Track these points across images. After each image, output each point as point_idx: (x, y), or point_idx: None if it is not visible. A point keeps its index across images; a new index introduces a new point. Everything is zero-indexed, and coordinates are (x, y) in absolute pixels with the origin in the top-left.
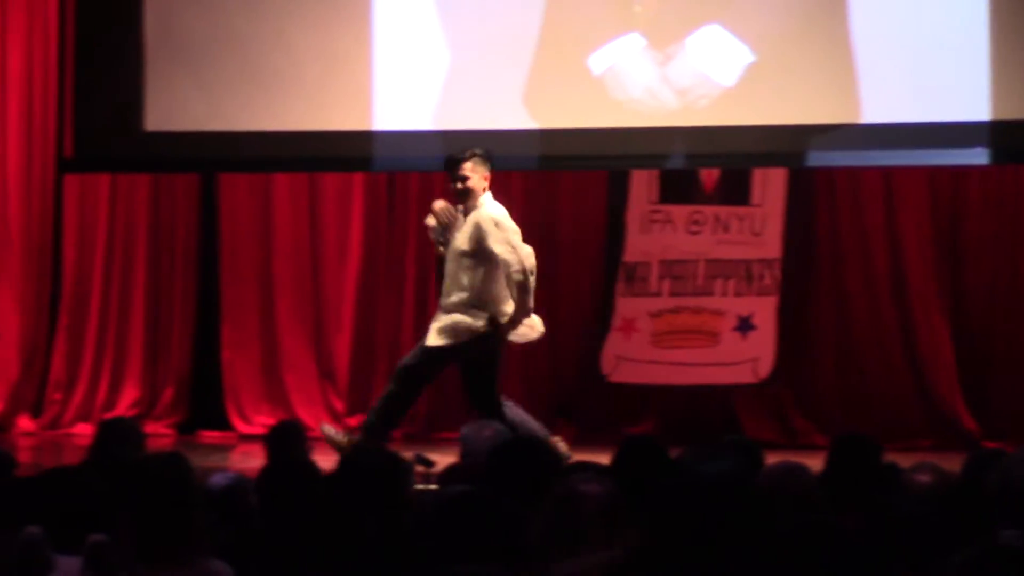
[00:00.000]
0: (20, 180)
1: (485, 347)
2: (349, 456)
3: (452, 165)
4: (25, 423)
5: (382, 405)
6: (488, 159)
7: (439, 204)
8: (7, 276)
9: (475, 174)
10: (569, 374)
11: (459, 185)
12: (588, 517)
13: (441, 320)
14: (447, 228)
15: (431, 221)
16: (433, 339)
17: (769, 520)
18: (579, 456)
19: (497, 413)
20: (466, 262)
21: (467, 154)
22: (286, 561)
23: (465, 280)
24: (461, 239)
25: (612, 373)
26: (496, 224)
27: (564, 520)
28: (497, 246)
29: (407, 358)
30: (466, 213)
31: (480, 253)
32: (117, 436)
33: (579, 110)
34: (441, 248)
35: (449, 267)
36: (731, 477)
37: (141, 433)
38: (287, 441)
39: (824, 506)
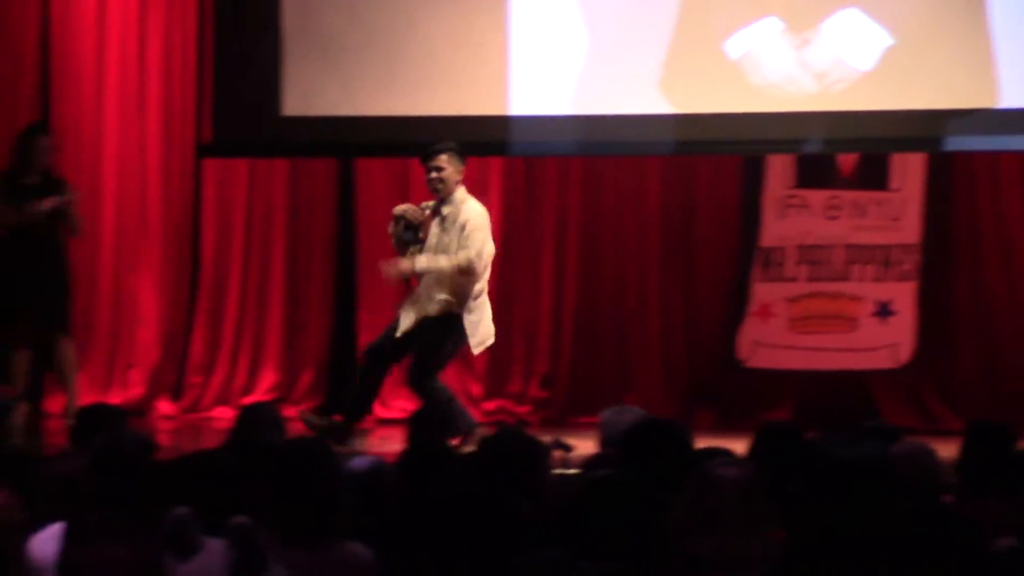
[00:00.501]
0: (159, 166)
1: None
2: (488, 440)
3: (428, 156)
4: (165, 406)
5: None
6: (463, 155)
7: (404, 206)
8: (147, 261)
9: (450, 166)
10: (706, 360)
11: (434, 175)
12: (728, 502)
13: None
14: (418, 227)
15: (395, 224)
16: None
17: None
18: (717, 442)
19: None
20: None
21: (443, 147)
22: (424, 544)
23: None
24: (447, 239)
25: (749, 358)
26: (480, 228)
27: (704, 505)
28: (471, 251)
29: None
30: (440, 205)
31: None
32: (258, 420)
33: (716, 95)
34: (412, 248)
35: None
36: (869, 462)
37: (281, 417)
38: (426, 425)
39: (954, 490)
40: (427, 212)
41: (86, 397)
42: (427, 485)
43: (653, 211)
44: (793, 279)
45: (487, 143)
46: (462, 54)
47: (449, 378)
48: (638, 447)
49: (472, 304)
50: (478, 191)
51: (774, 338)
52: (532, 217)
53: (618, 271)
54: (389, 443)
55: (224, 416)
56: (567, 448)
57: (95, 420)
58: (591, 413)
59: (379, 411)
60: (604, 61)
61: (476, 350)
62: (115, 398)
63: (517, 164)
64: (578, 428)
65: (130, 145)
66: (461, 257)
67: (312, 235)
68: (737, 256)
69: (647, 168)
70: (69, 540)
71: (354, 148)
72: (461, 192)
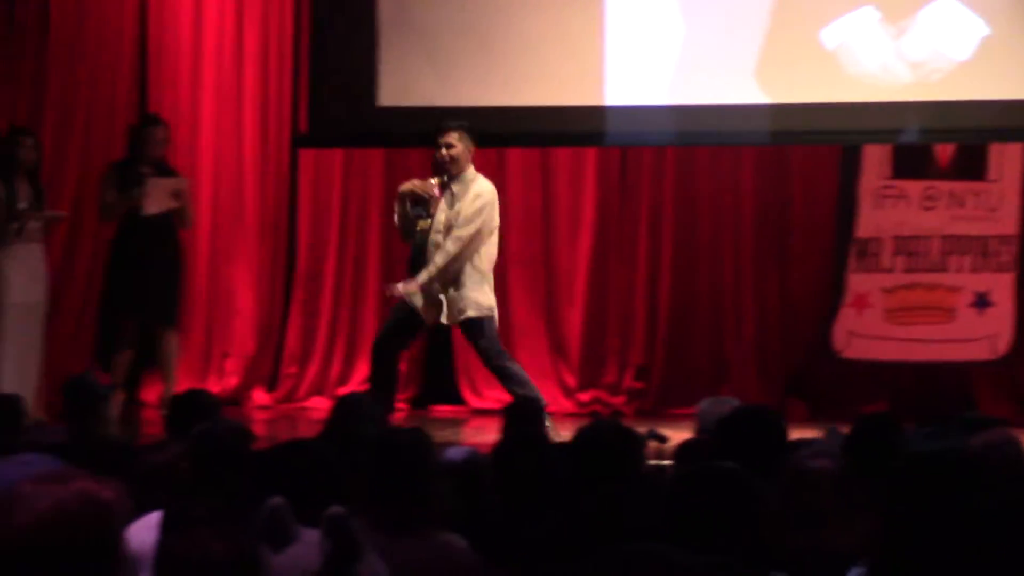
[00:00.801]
0: (256, 156)
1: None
2: (583, 430)
3: (439, 132)
4: (260, 396)
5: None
6: (474, 134)
7: (411, 183)
8: (243, 252)
9: (461, 144)
10: (801, 351)
11: (444, 152)
12: (821, 494)
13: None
14: (427, 202)
15: (402, 204)
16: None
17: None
18: (811, 434)
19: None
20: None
21: (455, 123)
22: (520, 534)
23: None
24: (453, 214)
25: (844, 349)
26: (488, 204)
27: (798, 497)
28: (471, 226)
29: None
30: (449, 182)
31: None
32: (354, 410)
33: (811, 84)
34: (421, 223)
35: (439, 239)
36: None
37: (377, 407)
38: (523, 416)
39: None
40: (436, 188)
41: (182, 386)
42: (522, 475)
43: (748, 201)
44: (889, 270)
45: (583, 133)
46: (558, 43)
47: (544, 367)
48: (733, 435)
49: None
50: (573, 181)
51: (870, 329)
52: (627, 208)
53: (713, 262)
54: (483, 433)
55: (319, 406)
56: (662, 439)
57: (190, 409)
58: (686, 404)
59: (473, 401)
60: (700, 50)
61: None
62: (211, 388)
63: (612, 154)
64: (673, 419)
65: (226, 136)
66: (456, 239)
67: None
68: (832, 247)
69: (742, 158)
70: (166, 529)
71: None
72: (471, 171)
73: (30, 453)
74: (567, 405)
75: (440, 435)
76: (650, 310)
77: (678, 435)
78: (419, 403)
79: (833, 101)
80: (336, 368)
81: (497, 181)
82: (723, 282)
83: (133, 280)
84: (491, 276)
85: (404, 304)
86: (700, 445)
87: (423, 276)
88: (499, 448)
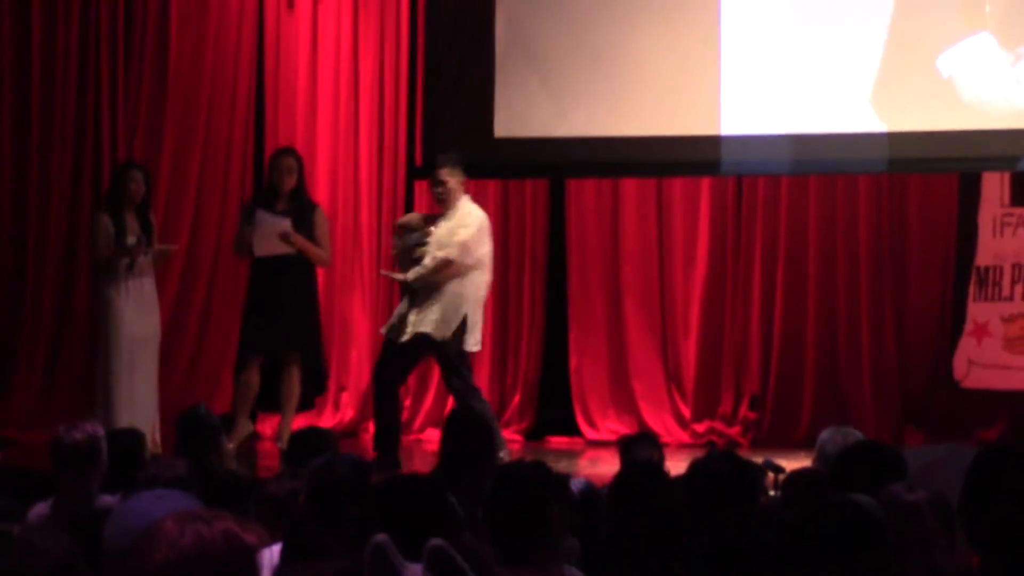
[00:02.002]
0: (371, 188)
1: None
2: (699, 462)
3: (429, 172)
4: None
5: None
6: (462, 165)
7: (407, 216)
8: (358, 282)
9: (452, 179)
10: (919, 379)
11: (439, 189)
12: (917, 525)
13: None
14: (422, 234)
15: (399, 236)
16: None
17: None
18: None
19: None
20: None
21: (443, 160)
22: (637, 566)
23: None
24: (443, 236)
25: (964, 378)
26: (470, 227)
27: (908, 531)
28: (449, 249)
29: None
30: (443, 215)
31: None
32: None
33: (928, 112)
34: (419, 250)
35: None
36: None
37: (494, 439)
38: (639, 447)
39: None
40: (430, 222)
41: (299, 419)
42: (639, 508)
43: (864, 230)
44: (1009, 298)
45: (698, 163)
46: (674, 73)
47: (659, 398)
48: (851, 468)
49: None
50: (688, 211)
51: (988, 358)
52: (742, 237)
53: (828, 290)
54: (599, 464)
55: (434, 439)
56: (779, 469)
57: (308, 443)
58: (801, 433)
59: (588, 432)
60: (815, 79)
61: (474, 348)
62: (327, 420)
63: (727, 184)
64: (788, 449)
65: (343, 169)
66: (439, 255)
67: (523, 256)
68: (949, 275)
69: (857, 187)
70: (283, 562)
71: (566, 169)
72: (464, 201)
73: (160, 488)
74: (682, 436)
75: (556, 466)
76: (765, 340)
77: (793, 465)
78: (534, 434)
79: (950, 128)
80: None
81: (612, 211)
82: (838, 311)
83: (260, 315)
84: (473, 306)
85: (392, 337)
86: (808, 476)
87: (401, 276)
88: (617, 480)
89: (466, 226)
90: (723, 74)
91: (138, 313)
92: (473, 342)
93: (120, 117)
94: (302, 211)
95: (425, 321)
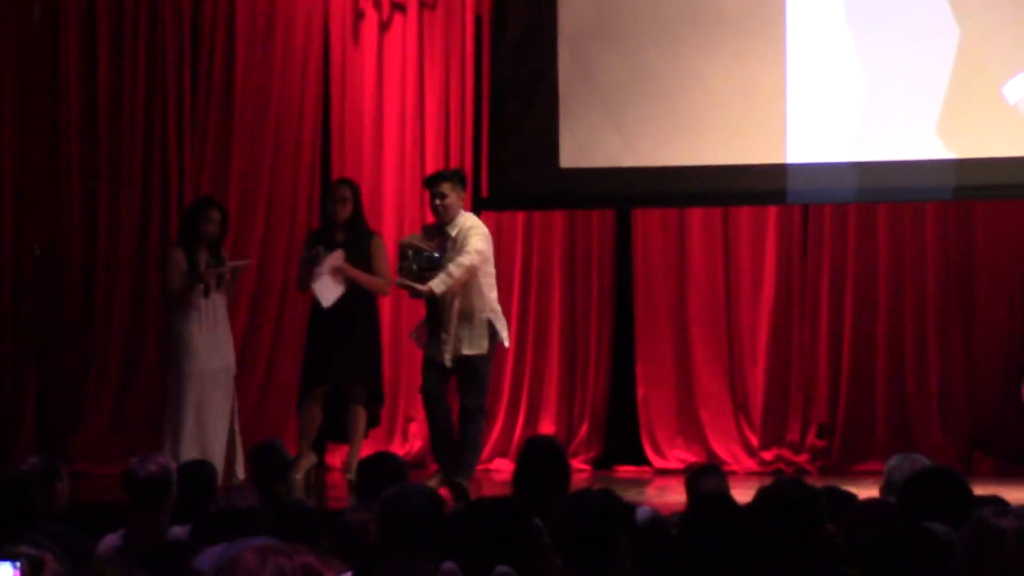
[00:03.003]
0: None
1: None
2: (767, 490)
3: (432, 184)
4: None
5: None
6: (463, 181)
7: (410, 237)
8: (422, 315)
9: (453, 193)
10: (986, 405)
11: (438, 202)
12: (1010, 552)
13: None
14: (430, 253)
15: (403, 258)
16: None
17: None
18: (995, 490)
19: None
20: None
21: (446, 175)
22: None
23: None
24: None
25: None
26: (484, 234)
27: (981, 554)
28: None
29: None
30: (444, 229)
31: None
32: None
33: (995, 139)
34: (429, 274)
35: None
36: None
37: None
38: (706, 479)
39: None
40: (433, 244)
41: (367, 450)
42: (706, 539)
43: (931, 258)
44: None
45: (764, 192)
46: (740, 102)
47: (726, 426)
48: (918, 495)
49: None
50: (754, 240)
51: None
52: (809, 265)
53: (895, 319)
54: (667, 494)
55: (502, 468)
56: (847, 497)
57: (378, 471)
58: (869, 461)
59: (656, 461)
60: (881, 107)
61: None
62: (396, 451)
63: (793, 212)
64: (856, 477)
65: (409, 201)
66: (464, 261)
67: (589, 286)
68: (1017, 301)
69: (924, 214)
70: None
71: (632, 199)
72: (463, 215)
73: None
74: (750, 464)
75: (624, 495)
76: (832, 367)
77: (861, 493)
78: (602, 463)
79: (1016, 155)
80: (519, 429)
81: (678, 240)
82: (905, 339)
83: (321, 346)
84: (491, 311)
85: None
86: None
87: (425, 288)
88: (687, 512)
89: (476, 234)
90: (789, 102)
91: (211, 346)
92: (505, 338)
93: (187, 151)
94: (358, 240)
95: (462, 343)
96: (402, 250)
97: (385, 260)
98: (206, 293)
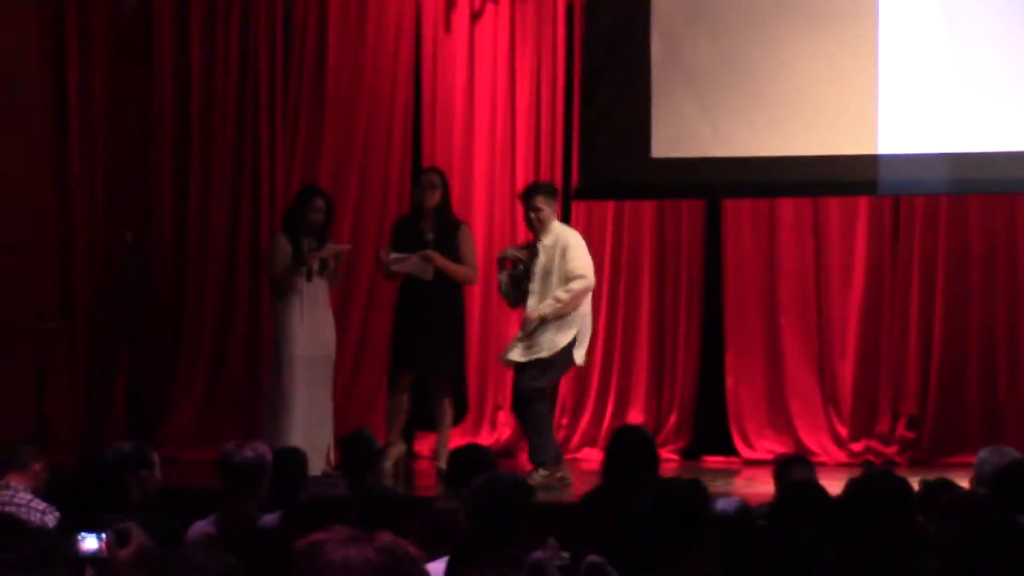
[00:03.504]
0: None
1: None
2: (857, 481)
3: (526, 198)
4: None
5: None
6: (555, 192)
7: (507, 249)
8: None
9: (546, 207)
10: None
11: (532, 215)
12: None
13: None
14: (527, 264)
15: (503, 268)
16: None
17: None
18: None
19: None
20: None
21: (538, 189)
22: None
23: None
24: (546, 261)
25: None
26: (583, 247)
27: None
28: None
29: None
30: (536, 241)
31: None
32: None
33: None
34: (523, 283)
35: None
36: None
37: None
38: (794, 469)
39: None
40: (526, 252)
41: (456, 439)
42: (794, 529)
43: (1023, 250)
44: None
45: (855, 183)
46: (831, 91)
47: (816, 417)
48: (1009, 486)
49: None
50: (845, 231)
51: None
52: (899, 257)
53: (986, 311)
54: (755, 484)
55: (591, 457)
56: (939, 488)
57: (468, 461)
58: (958, 454)
59: (744, 452)
60: (974, 97)
61: (580, 362)
62: (485, 439)
63: (885, 203)
64: (945, 469)
65: (500, 190)
66: (577, 286)
67: (679, 276)
68: None
69: (1016, 206)
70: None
71: (723, 189)
72: (556, 224)
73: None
74: (839, 455)
75: (713, 486)
76: (922, 359)
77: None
78: (691, 453)
79: None
80: (607, 419)
81: (768, 231)
82: (996, 331)
83: (408, 333)
84: (582, 320)
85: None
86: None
87: (538, 314)
88: (775, 501)
89: (576, 247)
90: (881, 93)
91: (313, 333)
92: (580, 356)
93: (279, 138)
94: (446, 228)
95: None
96: (504, 262)
97: (472, 249)
98: (308, 276)
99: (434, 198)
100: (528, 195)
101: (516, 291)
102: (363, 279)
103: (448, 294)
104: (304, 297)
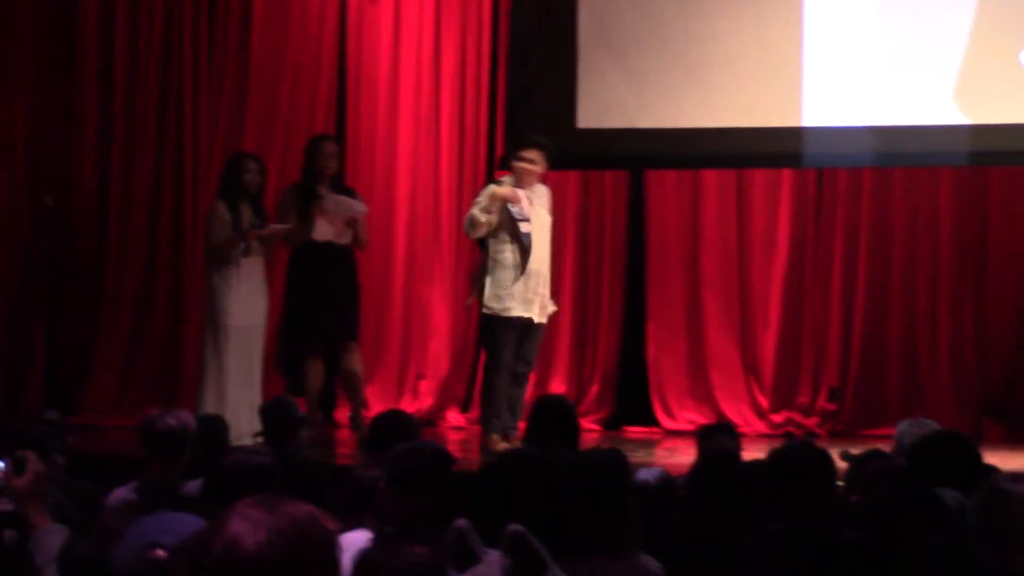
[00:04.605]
0: (451, 180)
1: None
2: (777, 451)
3: (528, 147)
4: (454, 417)
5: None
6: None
7: (504, 188)
8: (438, 274)
9: (543, 163)
10: (997, 373)
11: (533, 167)
12: (1017, 517)
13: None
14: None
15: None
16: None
17: None
18: (1005, 457)
19: None
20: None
21: (540, 142)
22: (711, 557)
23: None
24: (541, 212)
25: None
26: None
27: (993, 517)
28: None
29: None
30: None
31: None
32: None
33: (1011, 105)
34: (524, 224)
35: (542, 236)
36: None
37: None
38: (717, 437)
39: None
40: (522, 196)
41: (377, 407)
42: (714, 499)
43: (945, 224)
44: None
45: (779, 155)
46: (756, 64)
47: (737, 389)
48: (926, 458)
49: None
50: (768, 203)
51: None
52: (822, 229)
53: (908, 284)
54: (676, 455)
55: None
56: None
57: (389, 428)
58: (879, 426)
59: (666, 422)
60: (897, 71)
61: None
62: (406, 408)
63: (808, 175)
64: (866, 441)
65: (423, 160)
66: None
67: (602, 247)
68: None
69: (939, 180)
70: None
71: (648, 160)
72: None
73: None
74: (760, 426)
75: (634, 456)
76: (844, 332)
77: None
78: (612, 424)
79: None
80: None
81: (692, 202)
82: (917, 304)
83: (310, 299)
84: None
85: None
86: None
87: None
88: (695, 469)
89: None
90: (805, 66)
91: (247, 302)
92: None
93: (203, 105)
94: (344, 195)
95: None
96: (495, 198)
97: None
98: (246, 252)
99: (334, 166)
100: (530, 146)
101: (512, 230)
102: (281, 255)
103: (346, 262)
104: (241, 268)
